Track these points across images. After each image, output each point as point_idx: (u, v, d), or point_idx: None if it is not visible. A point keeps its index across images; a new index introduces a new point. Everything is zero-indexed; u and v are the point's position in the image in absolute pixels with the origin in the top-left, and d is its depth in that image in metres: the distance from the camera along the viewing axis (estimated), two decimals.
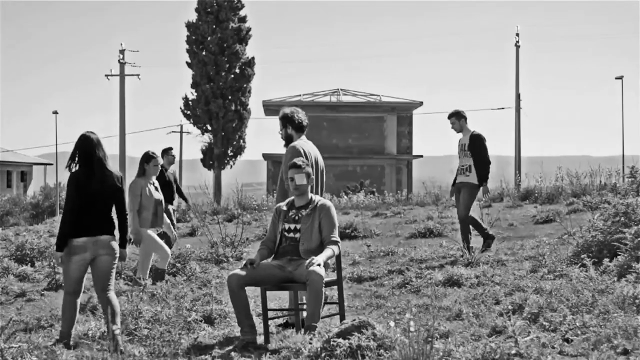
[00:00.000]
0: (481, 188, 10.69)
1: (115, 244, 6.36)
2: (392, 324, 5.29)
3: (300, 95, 42.86)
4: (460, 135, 10.89)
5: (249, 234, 14.03)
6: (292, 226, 6.53)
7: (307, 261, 6.15)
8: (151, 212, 8.92)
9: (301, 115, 7.12)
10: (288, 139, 7.10)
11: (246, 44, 43.95)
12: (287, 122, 7.12)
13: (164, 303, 7.54)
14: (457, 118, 10.77)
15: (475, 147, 10.60)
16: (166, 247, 9.18)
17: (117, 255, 6.38)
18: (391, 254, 11.36)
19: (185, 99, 43.82)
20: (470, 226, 10.65)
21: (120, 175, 6.42)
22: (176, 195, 12.23)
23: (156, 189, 9.16)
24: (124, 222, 6.44)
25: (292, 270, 6.38)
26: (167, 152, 12.15)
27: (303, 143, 6.97)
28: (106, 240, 6.27)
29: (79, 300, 6.44)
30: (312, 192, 6.63)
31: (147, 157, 9.13)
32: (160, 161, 9.28)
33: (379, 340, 5.18)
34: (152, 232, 8.96)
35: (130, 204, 8.68)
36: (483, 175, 10.58)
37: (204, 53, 43.07)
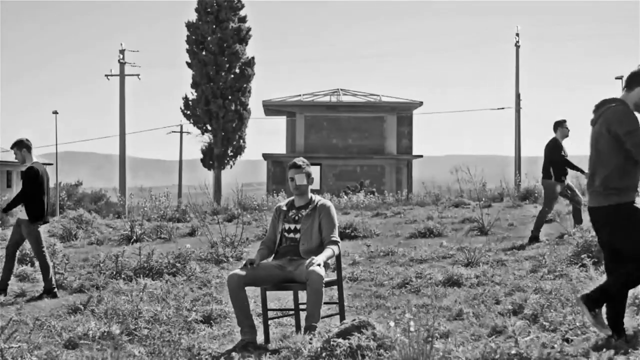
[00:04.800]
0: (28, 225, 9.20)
1: None
2: (392, 324, 5.29)
3: (300, 95, 42.86)
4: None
5: (249, 234, 14.02)
6: (292, 226, 6.53)
7: (307, 261, 6.15)
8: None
9: None
10: None
11: (246, 44, 43.96)
12: None
13: (164, 303, 7.55)
14: (19, 148, 9.25)
15: (24, 182, 9.20)
16: None
17: None
18: (391, 254, 11.36)
19: (185, 99, 43.83)
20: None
21: None
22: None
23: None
24: None
25: (292, 270, 6.38)
26: (561, 124, 11.52)
27: None
28: None
29: None
30: None
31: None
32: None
33: (379, 340, 5.18)
34: None
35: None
36: (31, 216, 9.17)
37: (204, 53, 43.07)
